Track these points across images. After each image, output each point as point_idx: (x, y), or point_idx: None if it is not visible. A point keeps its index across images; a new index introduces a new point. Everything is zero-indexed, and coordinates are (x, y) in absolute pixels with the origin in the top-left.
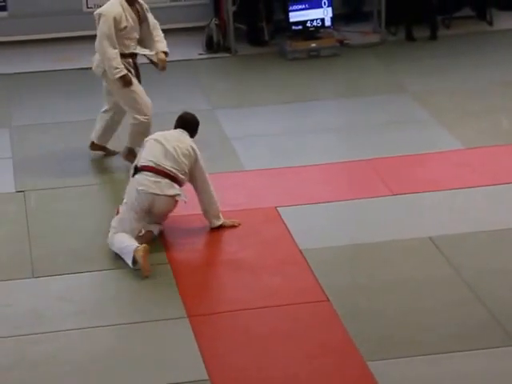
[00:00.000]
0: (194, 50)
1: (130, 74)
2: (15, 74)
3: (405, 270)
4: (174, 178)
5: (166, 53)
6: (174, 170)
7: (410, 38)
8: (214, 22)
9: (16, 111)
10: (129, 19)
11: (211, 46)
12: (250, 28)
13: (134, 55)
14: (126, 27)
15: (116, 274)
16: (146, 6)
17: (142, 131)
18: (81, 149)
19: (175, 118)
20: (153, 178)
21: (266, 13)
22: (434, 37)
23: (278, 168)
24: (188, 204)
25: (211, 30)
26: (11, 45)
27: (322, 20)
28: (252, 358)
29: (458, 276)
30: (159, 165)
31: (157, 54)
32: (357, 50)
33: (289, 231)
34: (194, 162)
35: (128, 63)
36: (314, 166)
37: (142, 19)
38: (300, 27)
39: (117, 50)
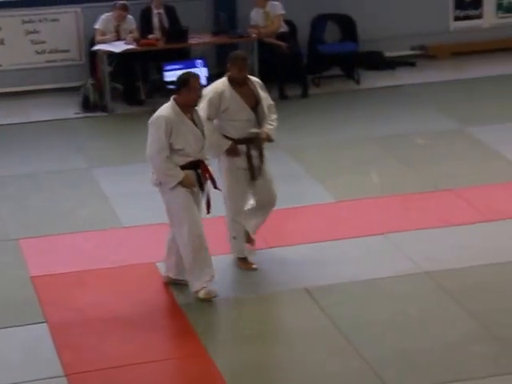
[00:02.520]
0: (70, 110)
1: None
2: None
3: (283, 321)
4: None
5: (269, 138)
6: None
7: (282, 96)
8: (90, 81)
9: None
10: (230, 100)
11: (88, 106)
12: (127, 87)
13: (248, 140)
14: (227, 109)
15: None
16: (260, 83)
17: None
18: None
19: (52, 177)
20: None
21: (141, 72)
22: (305, 95)
23: (156, 224)
24: (66, 262)
25: (87, 89)
26: None
27: None
28: None
29: (334, 326)
30: None
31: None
32: None
33: (168, 286)
34: None
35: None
36: None
37: (255, 100)
38: (176, 86)
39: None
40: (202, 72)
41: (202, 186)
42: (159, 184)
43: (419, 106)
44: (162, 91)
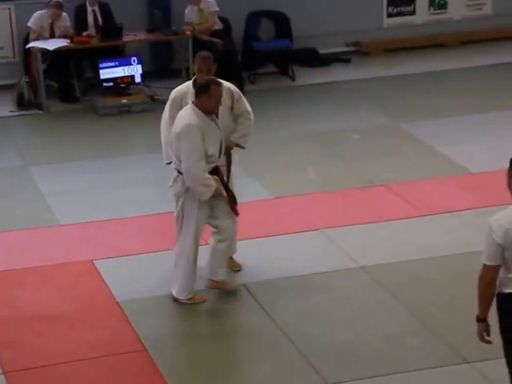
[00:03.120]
0: (5, 108)
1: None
2: None
3: (222, 317)
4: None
5: (238, 145)
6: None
7: None
8: (25, 79)
9: None
10: None
11: (22, 104)
12: (61, 85)
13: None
14: None
15: None
16: (231, 89)
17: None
18: None
19: None
20: None
21: (76, 70)
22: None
23: (93, 222)
24: (3, 260)
25: (22, 87)
26: None
27: (133, 77)
28: None
29: (272, 321)
30: None
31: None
32: None
33: (106, 283)
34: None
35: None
36: (129, 219)
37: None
38: (111, 84)
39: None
40: (136, 69)
41: (227, 189)
42: (184, 192)
43: (354, 102)
44: (97, 89)
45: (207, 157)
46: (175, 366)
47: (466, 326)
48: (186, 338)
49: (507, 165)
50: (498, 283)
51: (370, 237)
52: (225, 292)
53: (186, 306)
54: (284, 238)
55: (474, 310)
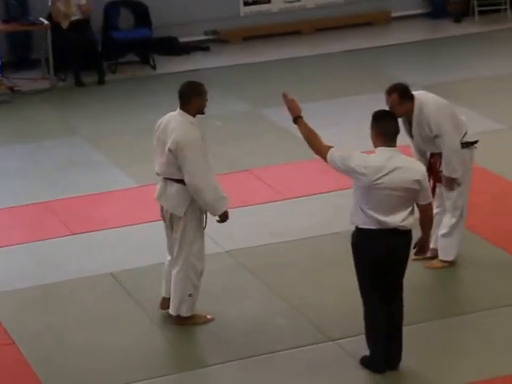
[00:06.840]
0: None
1: None
2: None
3: (91, 306)
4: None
5: None
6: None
7: (78, 83)
8: None
9: None
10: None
11: None
12: None
13: None
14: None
15: None
16: None
17: None
18: None
19: None
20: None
21: None
22: (101, 81)
23: None
24: None
25: None
26: None
27: None
28: None
29: (141, 308)
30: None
31: None
32: (27, 96)
33: None
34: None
35: None
36: None
37: None
38: None
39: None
40: None
41: None
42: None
43: (215, 90)
44: None
45: None
46: (44, 357)
47: (328, 305)
48: (54, 329)
49: (367, 148)
50: None
51: (235, 221)
52: (91, 281)
53: (52, 294)
54: (149, 226)
55: (336, 289)
